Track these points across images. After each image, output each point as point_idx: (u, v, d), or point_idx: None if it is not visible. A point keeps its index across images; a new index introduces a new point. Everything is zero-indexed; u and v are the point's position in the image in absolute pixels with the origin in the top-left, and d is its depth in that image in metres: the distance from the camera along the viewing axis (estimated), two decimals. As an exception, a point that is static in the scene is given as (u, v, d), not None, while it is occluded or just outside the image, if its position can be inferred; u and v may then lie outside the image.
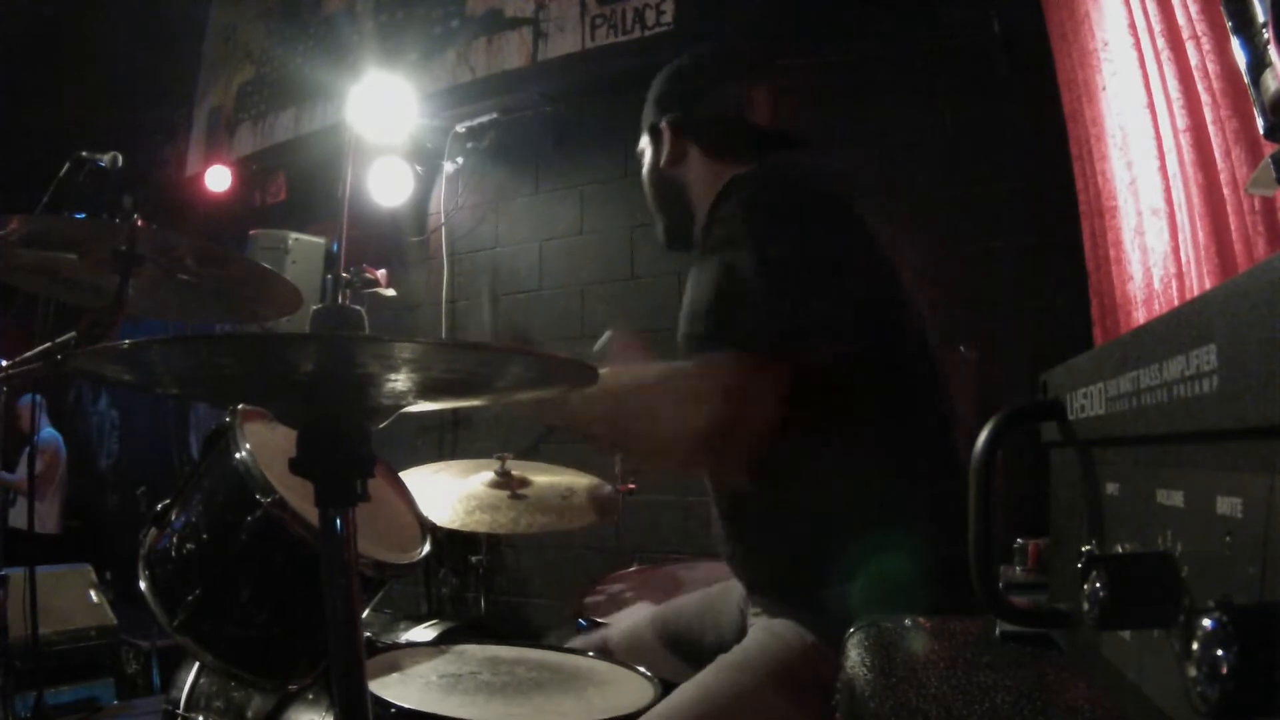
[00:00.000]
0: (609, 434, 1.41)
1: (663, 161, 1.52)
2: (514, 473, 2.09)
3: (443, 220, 4.02)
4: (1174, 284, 1.80)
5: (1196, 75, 1.68)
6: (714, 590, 1.59)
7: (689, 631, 1.54)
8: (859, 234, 1.35)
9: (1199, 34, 1.66)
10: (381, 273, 3.03)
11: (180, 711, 1.70)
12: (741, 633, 1.40)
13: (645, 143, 1.58)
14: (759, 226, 1.25)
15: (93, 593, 3.56)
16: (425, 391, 0.85)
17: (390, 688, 1.28)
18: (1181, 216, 1.76)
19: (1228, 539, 0.37)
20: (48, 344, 1.72)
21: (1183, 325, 0.41)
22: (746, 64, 1.57)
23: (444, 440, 3.88)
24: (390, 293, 3.11)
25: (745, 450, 1.29)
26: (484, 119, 3.90)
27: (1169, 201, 1.81)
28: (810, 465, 1.27)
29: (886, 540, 1.17)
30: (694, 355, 1.27)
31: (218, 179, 4.55)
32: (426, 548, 1.56)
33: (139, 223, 1.54)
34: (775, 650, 1.23)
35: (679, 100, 1.53)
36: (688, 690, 1.21)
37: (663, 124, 1.52)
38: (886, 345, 1.29)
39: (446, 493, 2.00)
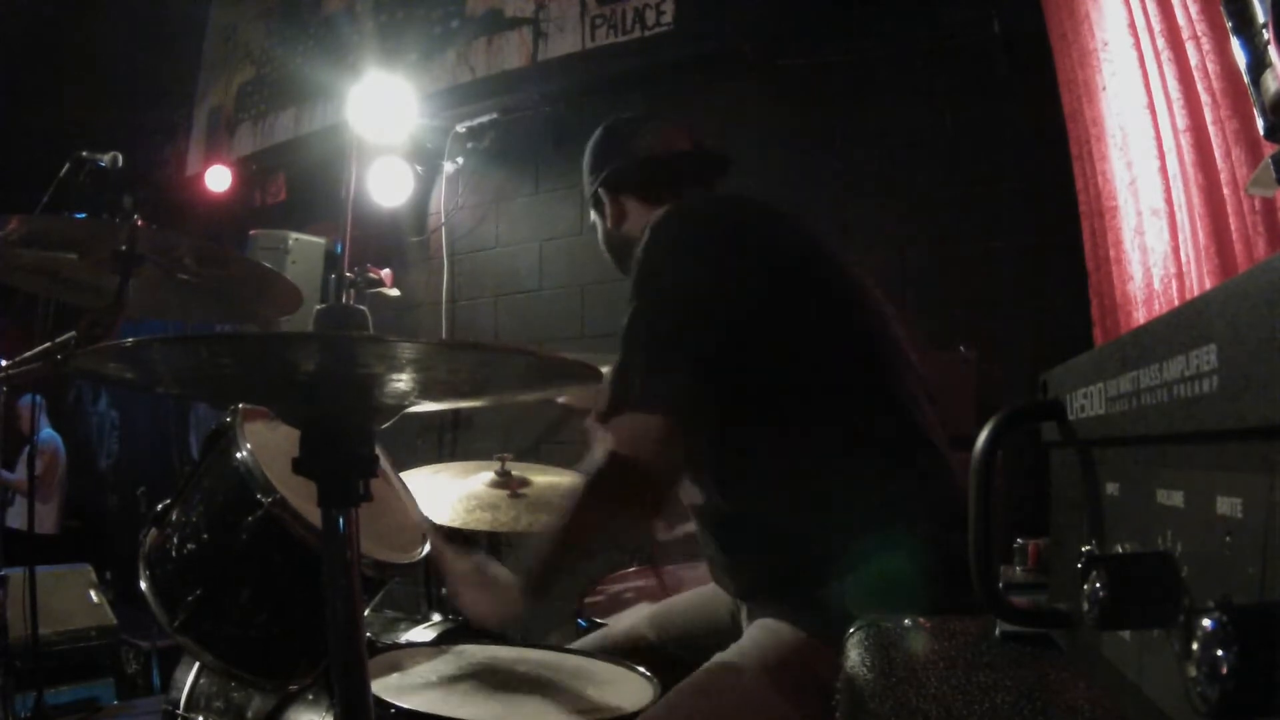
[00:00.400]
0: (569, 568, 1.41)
1: (609, 224, 1.59)
2: (514, 473, 2.09)
3: (443, 220, 4.02)
4: (1174, 284, 1.80)
5: (1196, 75, 1.69)
6: (708, 589, 1.60)
7: (687, 630, 1.55)
8: (777, 250, 1.37)
9: (1199, 34, 1.66)
10: (386, 273, 3.03)
11: (180, 711, 1.69)
12: (735, 629, 1.41)
13: (594, 216, 1.65)
14: (644, 277, 1.31)
15: (93, 593, 3.56)
16: (427, 391, 0.86)
17: (390, 688, 1.28)
18: (1181, 216, 1.77)
19: (1228, 539, 0.37)
20: (48, 344, 1.72)
21: (1183, 325, 0.41)
22: (651, 111, 1.63)
23: (444, 440, 3.88)
24: (395, 293, 3.11)
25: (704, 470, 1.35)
26: (484, 119, 3.90)
27: (1169, 202, 1.81)
28: (782, 471, 1.28)
29: (869, 542, 1.18)
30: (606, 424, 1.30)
31: (218, 179, 4.55)
32: (427, 547, 1.56)
33: (139, 223, 1.54)
34: (769, 647, 1.24)
35: (604, 164, 1.59)
36: (683, 689, 1.22)
37: (598, 190, 1.59)
38: (834, 354, 1.31)
39: (447, 492, 2.00)
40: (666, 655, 1.51)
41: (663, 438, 1.23)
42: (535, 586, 1.31)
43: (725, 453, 1.33)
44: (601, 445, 1.26)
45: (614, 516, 1.31)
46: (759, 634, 1.28)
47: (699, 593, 1.63)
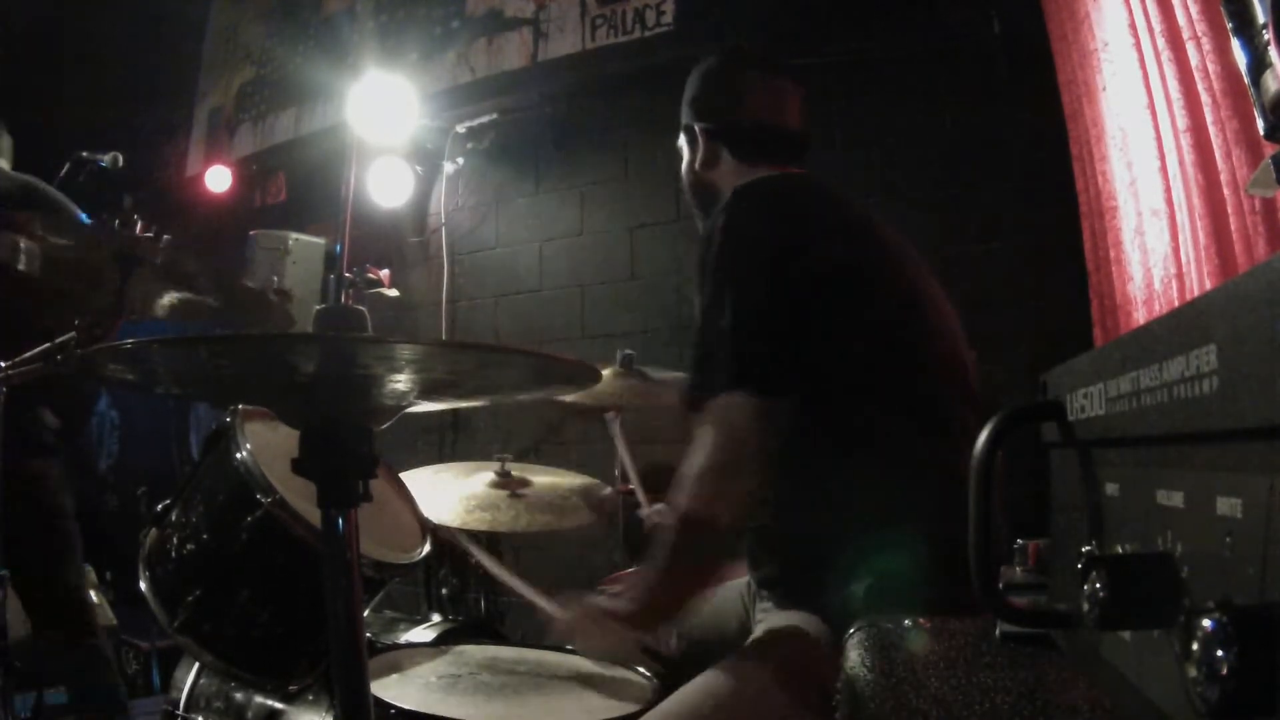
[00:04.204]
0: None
1: (698, 164, 1.56)
2: (514, 473, 2.09)
3: (443, 221, 4.02)
4: (1174, 284, 1.80)
5: (1197, 75, 1.68)
6: (715, 593, 1.59)
7: (692, 634, 1.54)
8: (853, 243, 1.36)
9: (1199, 34, 1.66)
10: (385, 273, 3.03)
11: (180, 712, 1.69)
12: (745, 631, 1.40)
13: (683, 141, 1.61)
14: (729, 257, 1.29)
15: (93, 593, 3.55)
16: (426, 392, 0.86)
17: (390, 688, 1.28)
18: (1181, 217, 1.77)
19: (1228, 539, 0.37)
20: (48, 344, 1.72)
21: (1183, 326, 0.41)
22: (776, 68, 1.60)
23: (444, 441, 3.88)
24: (394, 293, 3.11)
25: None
26: (484, 119, 3.90)
27: (1169, 202, 1.81)
28: (822, 460, 1.27)
29: (897, 537, 1.16)
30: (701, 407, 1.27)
31: (218, 179, 4.54)
32: (427, 548, 1.56)
33: (139, 223, 1.55)
34: (775, 650, 1.23)
35: (711, 105, 1.56)
36: (687, 691, 1.21)
37: (696, 127, 1.56)
38: (893, 350, 1.30)
39: (447, 493, 2.00)
40: (671, 659, 1.50)
41: (759, 415, 1.21)
42: (663, 598, 1.27)
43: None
44: (703, 434, 1.24)
45: (724, 501, 1.24)
46: (764, 636, 1.27)
47: (705, 597, 1.61)
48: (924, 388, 1.33)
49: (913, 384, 1.32)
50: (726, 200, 1.36)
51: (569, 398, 2.02)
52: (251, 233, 3.78)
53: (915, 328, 1.36)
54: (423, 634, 1.79)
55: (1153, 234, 1.85)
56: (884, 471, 1.25)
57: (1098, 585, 0.42)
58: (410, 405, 0.89)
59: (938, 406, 1.32)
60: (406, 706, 1.19)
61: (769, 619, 1.33)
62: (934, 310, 1.41)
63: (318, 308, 0.84)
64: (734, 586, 1.52)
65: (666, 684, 1.29)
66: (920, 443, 1.28)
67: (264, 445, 1.40)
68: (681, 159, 1.62)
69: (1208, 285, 1.67)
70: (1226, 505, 0.38)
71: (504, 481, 2.06)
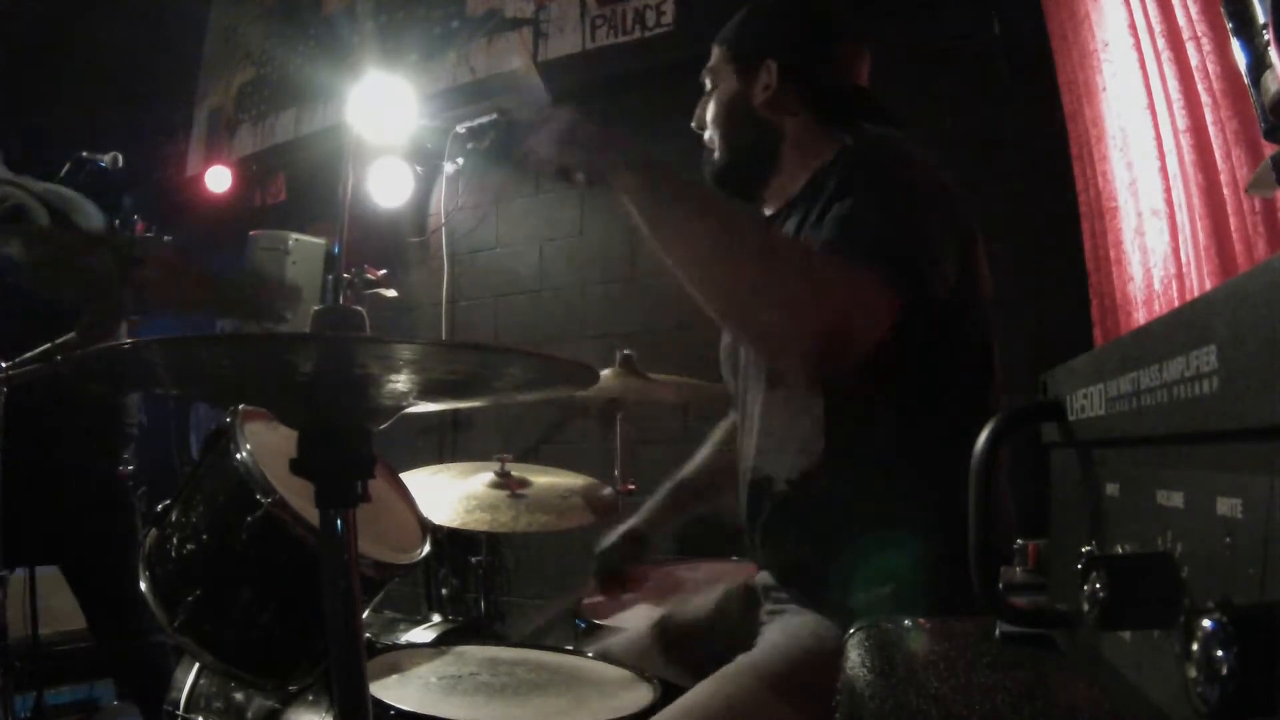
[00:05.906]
0: (675, 248, 1.22)
1: (757, 100, 1.41)
2: (514, 473, 2.09)
3: (443, 221, 4.02)
4: (1174, 284, 1.80)
5: (1197, 76, 1.69)
6: (718, 593, 1.58)
7: (700, 640, 1.51)
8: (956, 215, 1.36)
9: (1199, 34, 1.67)
10: (383, 273, 3.03)
11: (180, 712, 1.69)
12: (748, 626, 1.39)
13: (721, 61, 1.45)
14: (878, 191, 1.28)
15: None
16: (426, 392, 0.86)
17: (389, 689, 1.28)
18: (1181, 217, 1.77)
19: (1228, 539, 0.37)
20: (48, 344, 1.72)
21: (1183, 326, 0.41)
22: (855, 26, 1.48)
23: (444, 441, 3.88)
24: (392, 293, 3.11)
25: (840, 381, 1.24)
26: (484, 119, 3.90)
27: (1169, 202, 1.81)
28: (864, 456, 1.25)
29: (926, 540, 1.13)
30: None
31: (218, 179, 4.55)
32: (427, 548, 1.56)
33: (139, 224, 1.55)
34: (789, 655, 1.22)
35: (797, 47, 1.42)
36: (699, 693, 1.20)
37: (773, 64, 1.40)
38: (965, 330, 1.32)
39: (446, 493, 2.01)
40: (673, 660, 1.49)
41: (867, 291, 1.08)
42: (660, 175, 1.19)
43: (830, 426, 1.27)
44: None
45: (777, 300, 1.11)
46: (779, 640, 1.26)
47: (714, 600, 1.59)
48: (983, 388, 1.33)
49: (984, 387, 1.31)
50: (860, 162, 1.29)
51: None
52: (251, 233, 3.78)
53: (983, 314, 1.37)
54: (423, 634, 1.79)
55: (1153, 234, 1.85)
56: (924, 475, 1.23)
57: (1098, 585, 0.42)
58: (410, 405, 0.89)
59: (986, 398, 1.33)
60: (406, 707, 1.19)
61: (781, 620, 1.31)
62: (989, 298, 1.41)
63: (316, 308, 0.84)
64: (737, 583, 1.51)
65: (667, 686, 1.29)
66: (962, 440, 1.26)
67: (264, 445, 1.40)
68: (716, 86, 1.45)
69: (1208, 285, 1.67)
70: (1226, 505, 0.37)
71: (504, 482, 2.06)
